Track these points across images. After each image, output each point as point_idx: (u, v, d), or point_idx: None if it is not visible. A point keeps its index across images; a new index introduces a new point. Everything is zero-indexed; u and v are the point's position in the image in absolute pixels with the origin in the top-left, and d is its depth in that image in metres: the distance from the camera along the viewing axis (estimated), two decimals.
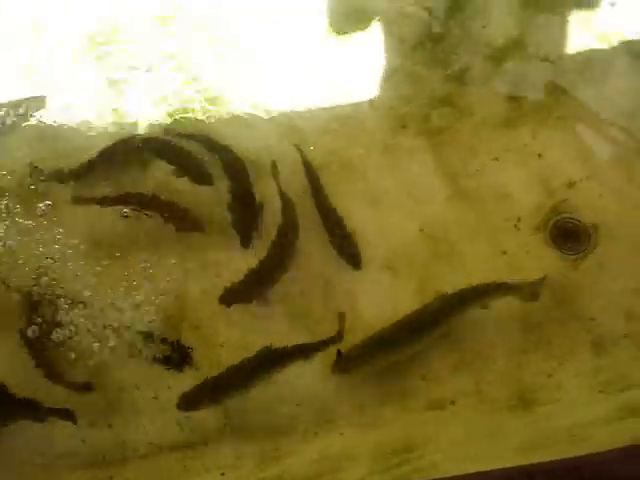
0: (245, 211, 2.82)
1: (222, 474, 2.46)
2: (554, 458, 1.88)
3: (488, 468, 1.88)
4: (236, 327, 2.68)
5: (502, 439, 2.36)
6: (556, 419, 2.42)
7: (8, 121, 3.00)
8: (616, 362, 2.57)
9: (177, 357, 2.66)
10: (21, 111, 3.00)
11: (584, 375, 2.56)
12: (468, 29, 3.12)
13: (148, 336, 2.66)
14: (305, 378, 2.59)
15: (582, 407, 2.45)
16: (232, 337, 2.68)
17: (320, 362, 2.58)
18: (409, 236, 2.84)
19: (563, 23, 3.12)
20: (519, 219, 2.83)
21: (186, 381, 2.58)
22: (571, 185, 2.84)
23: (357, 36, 3.18)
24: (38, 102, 3.04)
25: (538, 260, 2.76)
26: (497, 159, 2.92)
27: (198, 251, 2.80)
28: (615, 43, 3.08)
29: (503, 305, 2.64)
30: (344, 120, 3.01)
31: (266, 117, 3.01)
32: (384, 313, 2.68)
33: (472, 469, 1.91)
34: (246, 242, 2.77)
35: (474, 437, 2.43)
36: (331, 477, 2.27)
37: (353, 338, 2.62)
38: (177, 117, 3.04)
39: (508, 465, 1.89)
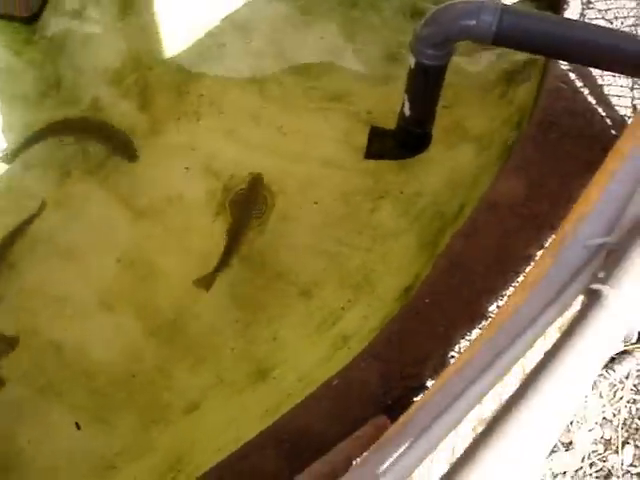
0: None
1: None
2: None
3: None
4: None
5: (247, 417, 2.58)
6: (287, 377, 2.67)
7: None
8: (323, 302, 2.81)
9: None
10: None
11: (300, 325, 2.79)
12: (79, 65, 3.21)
13: None
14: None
15: (305, 355, 2.70)
16: None
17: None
18: (109, 271, 2.94)
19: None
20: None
21: None
22: (234, 161, 3.04)
23: None
24: None
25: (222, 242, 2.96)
26: (154, 165, 3.06)
27: None
28: None
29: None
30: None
31: None
32: (115, 350, 2.82)
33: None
34: None
35: (228, 424, 2.64)
36: None
37: (94, 384, 2.75)
38: None
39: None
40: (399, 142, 2.79)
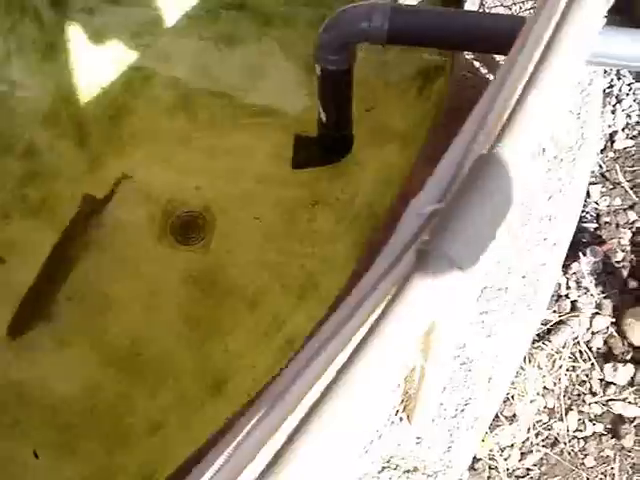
0: None
1: None
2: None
3: None
4: None
5: (210, 428, 2.65)
6: (242, 386, 2.75)
7: None
8: (268, 308, 2.91)
9: None
10: None
11: (250, 333, 2.89)
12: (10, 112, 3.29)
13: None
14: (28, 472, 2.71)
15: (258, 362, 2.79)
16: None
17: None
18: (62, 308, 3.01)
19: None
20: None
21: None
22: (171, 186, 3.13)
23: None
24: None
25: (170, 266, 3.04)
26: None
27: None
28: None
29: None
30: None
31: None
32: (76, 383, 2.88)
33: None
34: None
35: (193, 438, 2.70)
36: None
37: (58, 419, 2.80)
38: None
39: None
40: (323, 148, 2.88)
